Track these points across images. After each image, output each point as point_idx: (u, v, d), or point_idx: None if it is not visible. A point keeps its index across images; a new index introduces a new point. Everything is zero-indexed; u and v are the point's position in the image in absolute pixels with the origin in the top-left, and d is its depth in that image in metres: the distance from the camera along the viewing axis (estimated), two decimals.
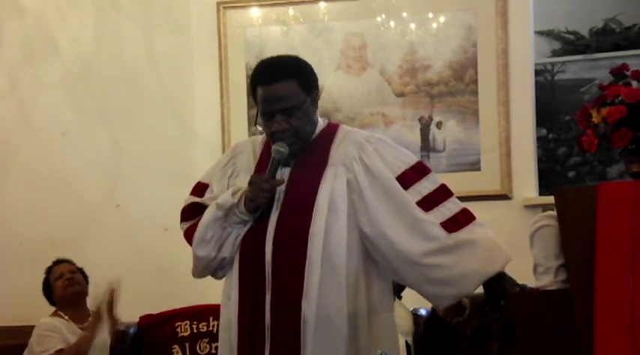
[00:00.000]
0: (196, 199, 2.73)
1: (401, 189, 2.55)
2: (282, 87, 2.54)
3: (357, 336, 2.53)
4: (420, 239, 2.52)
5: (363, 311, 2.56)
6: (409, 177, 2.57)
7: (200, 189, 2.77)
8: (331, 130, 2.66)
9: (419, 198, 2.55)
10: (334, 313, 2.51)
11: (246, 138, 2.87)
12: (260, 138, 2.75)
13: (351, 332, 2.51)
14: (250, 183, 2.56)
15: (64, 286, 4.22)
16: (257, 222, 2.59)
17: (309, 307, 2.49)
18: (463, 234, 2.53)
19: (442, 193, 2.59)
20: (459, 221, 2.55)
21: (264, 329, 2.52)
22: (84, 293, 4.28)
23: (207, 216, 2.61)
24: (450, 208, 2.57)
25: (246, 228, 2.60)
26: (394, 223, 2.53)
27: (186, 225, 2.76)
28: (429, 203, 2.55)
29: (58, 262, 4.33)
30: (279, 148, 2.56)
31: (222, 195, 2.61)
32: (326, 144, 2.62)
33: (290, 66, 2.61)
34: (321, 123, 2.68)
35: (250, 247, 2.59)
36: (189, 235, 2.71)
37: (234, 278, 2.60)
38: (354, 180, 2.57)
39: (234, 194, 2.59)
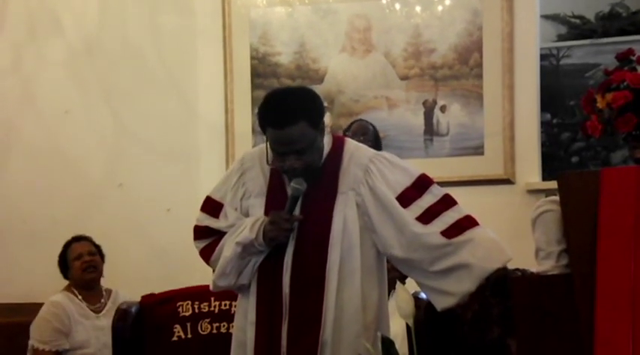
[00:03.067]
0: (212, 224, 2.78)
1: (399, 208, 2.62)
2: (293, 130, 2.57)
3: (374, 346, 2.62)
4: (422, 252, 2.60)
5: (375, 325, 2.67)
6: (409, 195, 2.64)
7: (212, 206, 2.80)
8: (337, 151, 2.70)
9: (419, 212, 2.63)
10: (352, 339, 2.61)
11: (253, 150, 2.88)
12: (266, 149, 2.76)
13: (362, 349, 2.59)
14: (271, 222, 2.62)
15: (82, 269, 4.21)
16: (274, 250, 2.67)
17: (327, 338, 2.59)
18: (462, 236, 2.59)
19: (444, 204, 2.65)
20: (462, 226, 2.61)
21: None
22: (99, 277, 4.28)
23: (228, 253, 2.68)
24: (452, 216, 2.63)
25: (263, 256, 2.68)
26: (396, 242, 2.62)
27: (201, 244, 2.82)
28: (429, 215, 2.62)
29: (77, 239, 4.30)
30: (297, 186, 2.62)
31: (242, 233, 2.66)
32: (334, 169, 2.68)
33: (299, 107, 2.61)
34: (327, 142, 2.71)
35: (268, 276, 2.67)
36: (205, 255, 2.80)
37: (252, 301, 2.69)
38: (363, 203, 2.65)
39: (252, 227, 2.65)
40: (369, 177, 2.65)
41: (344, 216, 2.64)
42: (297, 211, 2.65)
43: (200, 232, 2.83)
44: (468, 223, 2.62)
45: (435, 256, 2.60)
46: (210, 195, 2.83)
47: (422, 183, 2.67)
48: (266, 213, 2.69)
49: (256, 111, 4.76)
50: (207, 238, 2.80)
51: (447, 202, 2.65)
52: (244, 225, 2.68)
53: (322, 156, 2.68)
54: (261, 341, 2.64)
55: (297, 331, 2.60)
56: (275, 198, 2.68)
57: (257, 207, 2.71)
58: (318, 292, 2.59)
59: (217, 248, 2.75)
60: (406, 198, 2.64)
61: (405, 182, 2.66)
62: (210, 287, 2.82)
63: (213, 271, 2.80)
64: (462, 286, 2.59)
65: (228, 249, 2.69)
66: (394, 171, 2.67)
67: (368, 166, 2.66)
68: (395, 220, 2.62)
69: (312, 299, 2.61)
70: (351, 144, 2.74)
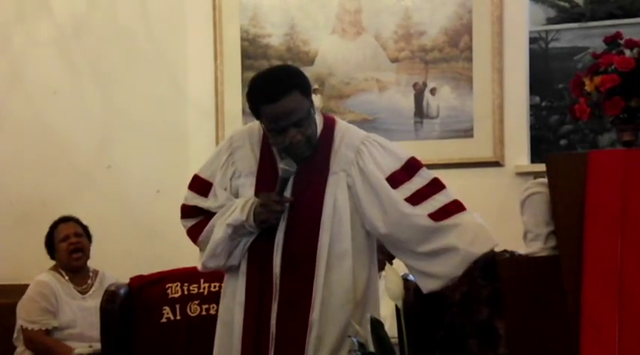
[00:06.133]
0: (200, 203, 2.77)
1: (389, 188, 2.63)
2: (289, 101, 2.58)
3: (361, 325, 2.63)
4: (409, 232, 2.62)
5: (365, 305, 2.68)
6: (399, 177, 2.66)
7: (200, 185, 2.79)
8: (328, 131, 2.71)
9: (408, 194, 2.64)
10: (340, 319, 2.63)
11: (241, 129, 2.87)
12: (256, 131, 2.76)
13: (351, 330, 2.60)
14: (262, 204, 2.62)
15: (69, 251, 4.20)
16: (265, 231, 2.67)
17: (316, 317, 2.60)
18: (450, 220, 2.61)
19: (433, 187, 2.67)
20: (449, 211, 2.63)
21: (268, 337, 2.62)
22: (86, 259, 4.27)
23: (219, 235, 2.67)
24: (440, 200, 2.65)
25: (253, 237, 2.69)
26: (382, 221, 2.64)
27: (189, 223, 2.81)
28: (418, 197, 2.64)
29: (64, 220, 4.29)
30: (287, 167, 2.62)
31: (232, 214, 2.66)
32: (325, 149, 2.69)
33: (288, 78, 2.63)
34: (318, 122, 2.71)
35: (259, 256, 2.68)
36: (193, 234, 2.79)
37: (242, 281, 2.69)
38: (353, 184, 2.66)
39: (242, 209, 2.65)
40: (360, 158, 2.66)
41: (335, 197, 2.65)
42: (288, 192, 2.65)
43: (187, 211, 2.82)
44: (455, 208, 2.64)
45: (422, 238, 2.62)
46: (198, 173, 2.82)
47: (411, 166, 2.68)
48: (256, 193, 2.68)
49: (246, 92, 4.78)
50: (195, 217, 2.79)
51: (436, 186, 2.67)
52: (234, 206, 2.68)
53: (318, 130, 2.68)
54: (250, 322, 2.65)
55: (286, 311, 2.61)
56: (266, 178, 2.68)
57: (247, 187, 2.71)
58: (309, 272, 2.61)
59: (206, 228, 2.74)
60: (395, 180, 2.65)
61: (394, 165, 2.67)
62: (199, 268, 2.81)
63: (200, 250, 2.79)
64: (448, 270, 2.61)
65: (219, 230, 2.68)
66: (384, 154, 2.68)
67: (359, 148, 2.68)
68: (382, 200, 2.63)
69: (303, 279, 2.62)
70: (341, 125, 2.75)
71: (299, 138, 2.60)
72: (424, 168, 2.70)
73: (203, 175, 2.80)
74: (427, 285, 2.66)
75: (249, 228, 2.65)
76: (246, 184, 2.72)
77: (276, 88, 2.58)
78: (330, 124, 2.72)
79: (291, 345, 2.60)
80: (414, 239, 2.62)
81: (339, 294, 2.64)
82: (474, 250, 2.59)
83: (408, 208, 2.62)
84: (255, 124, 2.78)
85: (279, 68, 2.81)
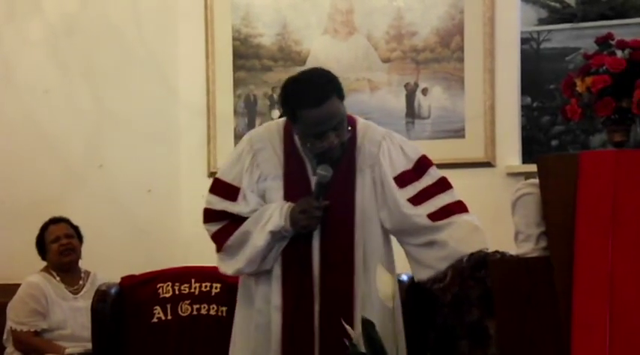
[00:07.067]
0: (229, 208, 2.77)
1: (394, 188, 2.71)
2: (329, 106, 2.63)
3: (398, 329, 2.73)
4: (409, 230, 2.71)
5: (397, 303, 2.74)
6: (408, 177, 2.73)
7: (224, 189, 2.79)
8: (351, 130, 2.75)
9: (413, 193, 2.72)
10: (382, 315, 2.66)
11: (259, 130, 2.89)
12: (274, 130, 2.79)
13: (395, 326, 2.67)
14: (302, 211, 2.66)
15: (60, 251, 4.19)
16: (299, 234, 2.71)
17: (359, 315, 2.62)
18: (446, 220, 2.69)
19: (439, 186, 2.75)
20: (450, 211, 2.71)
21: (312, 338, 2.66)
22: (77, 259, 4.26)
23: (260, 242, 2.70)
24: (443, 199, 2.73)
25: (287, 241, 2.73)
26: (390, 220, 2.73)
27: (214, 227, 2.81)
28: (421, 196, 2.72)
29: (55, 221, 4.28)
30: (324, 173, 2.67)
31: (271, 220, 2.69)
32: (350, 147, 2.74)
33: (328, 83, 2.68)
34: None
35: (295, 260, 2.71)
36: (219, 238, 2.79)
37: (276, 285, 2.72)
38: (378, 180, 2.74)
39: (280, 215, 2.69)
40: (381, 153, 2.74)
41: (363, 195, 2.72)
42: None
43: (212, 215, 2.81)
44: (456, 208, 2.72)
45: (419, 233, 2.70)
46: (220, 177, 2.82)
47: (421, 165, 2.76)
48: (285, 197, 2.71)
49: (238, 92, 4.80)
50: (220, 221, 2.79)
51: (442, 185, 2.75)
52: (269, 212, 2.70)
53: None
54: (290, 324, 2.68)
55: (330, 311, 2.64)
56: (295, 181, 2.71)
57: (274, 190, 2.74)
58: (348, 272, 2.65)
59: (235, 233, 2.74)
60: (404, 179, 2.73)
61: (406, 165, 2.75)
62: (228, 272, 2.82)
63: (222, 253, 2.79)
64: (435, 262, 2.70)
65: (259, 237, 2.70)
66: (399, 153, 2.76)
67: (381, 143, 2.75)
68: (387, 199, 2.71)
69: (342, 278, 2.67)
70: (362, 122, 2.81)
71: (336, 142, 2.65)
72: (434, 167, 2.77)
73: (226, 179, 2.80)
74: (418, 274, 2.75)
75: (285, 233, 2.69)
76: (273, 187, 2.74)
77: (318, 94, 2.62)
78: (351, 123, 2.77)
79: (337, 345, 2.58)
80: (412, 234, 2.71)
81: (377, 290, 2.67)
82: (461, 248, 2.65)
83: (409, 209, 2.69)
84: (272, 125, 2.82)
85: (318, 73, 2.78)
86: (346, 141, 2.71)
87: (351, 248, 2.69)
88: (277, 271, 2.73)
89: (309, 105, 2.61)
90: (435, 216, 2.68)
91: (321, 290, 2.67)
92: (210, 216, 2.82)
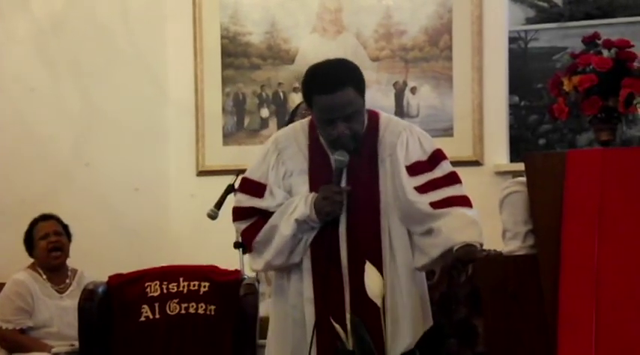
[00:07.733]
0: (257, 204, 2.80)
1: (404, 176, 2.74)
2: (342, 95, 2.66)
3: (425, 315, 2.77)
4: (414, 215, 2.73)
5: (423, 289, 2.81)
6: (420, 168, 2.76)
7: (252, 187, 2.83)
8: (373, 122, 2.80)
9: (421, 183, 2.75)
10: (411, 302, 2.72)
11: (284, 130, 2.93)
12: (299, 129, 2.84)
13: (423, 313, 2.75)
14: (324, 197, 2.69)
15: (48, 249, 4.16)
16: (325, 226, 2.73)
17: (389, 302, 2.67)
18: (446, 209, 2.71)
19: (447, 179, 2.77)
20: (452, 202, 2.72)
21: (344, 328, 2.60)
22: (66, 258, 4.24)
23: (287, 231, 2.73)
24: (448, 192, 2.75)
25: (314, 233, 2.75)
26: (400, 210, 2.75)
27: (243, 224, 2.84)
28: (428, 186, 2.75)
29: (44, 217, 4.25)
30: (341, 158, 2.71)
31: (297, 210, 2.73)
32: (372, 138, 2.78)
33: (346, 73, 2.72)
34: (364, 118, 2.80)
35: (323, 251, 2.73)
36: (249, 235, 2.82)
37: (307, 278, 2.75)
38: (395, 168, 2.76)
39: (305, 204, 2.72)
40: (399, 143, 2.77)
41: (386, 184, 2.75)
42: (342, 184, 2.73)
43: (241, 213, 2.84)
44: (460, 202, 2.74)
45: (421, 220, 2.72)
46: (247, 176, 2.86)
47: (435, 158, 2.80)
48: (311, 190, 2.75)
49: (227, 91, 4.80)
50: (249, 218, 2.82)
51: (451, 179, 2.78)
52: (295, 203, 2.74)
53: (364, 127, 2.76)
54: (323, 315, 2.68)
55: (360, 300, 2.62)
56: (319, 174, 2.75)
57: (300, 185, 2.77)
58: (376, 260, 2.64)
59: (264, 228, 2.77)
60: (416, 169, 2.76)
61: (421, 156, 2.78)
62: (258, 269, 2.86)
63: (253, 251, 2.81)
64: (430, 249, 2.71)
65: (286, 226, 2.73)
66: (416, 145, 2.79)
67: (401, 133, 2.78)
68: (397, 186, 2.75)
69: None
70: (384, 116, 2.84)
71: (346, 132, 2.68)
72: (447, 161, 2.81)
73: (253, 177, 2.84)
74: (417, 261, 2.76)
75: (311, 223, 2.72)
76: (299, 182, 2.78)
77: (332, 81, 2.67)
78: (374, 117, 2.81)
79: (369, 333, 2.59)
80: (416, 222, 2.73)
81: (405, 277, 2.73)
82: (453, 237, 2.66)
83: (414, 196, 2.72)
84: (297, 124, 2.88)
85: (339, 62, 2.83)
86: (364, 132, 2.75)
87: (378, 236, 2.73)
88: (307, 264, 2.76)
89: (321, 91, 2.67)
90: (436, 204, 2.71)
91: (350, 280, 2.70)
92: (239, 213, 2.86)
